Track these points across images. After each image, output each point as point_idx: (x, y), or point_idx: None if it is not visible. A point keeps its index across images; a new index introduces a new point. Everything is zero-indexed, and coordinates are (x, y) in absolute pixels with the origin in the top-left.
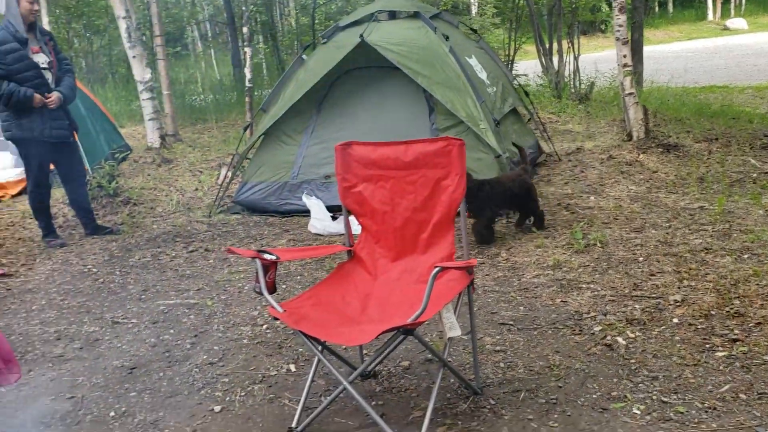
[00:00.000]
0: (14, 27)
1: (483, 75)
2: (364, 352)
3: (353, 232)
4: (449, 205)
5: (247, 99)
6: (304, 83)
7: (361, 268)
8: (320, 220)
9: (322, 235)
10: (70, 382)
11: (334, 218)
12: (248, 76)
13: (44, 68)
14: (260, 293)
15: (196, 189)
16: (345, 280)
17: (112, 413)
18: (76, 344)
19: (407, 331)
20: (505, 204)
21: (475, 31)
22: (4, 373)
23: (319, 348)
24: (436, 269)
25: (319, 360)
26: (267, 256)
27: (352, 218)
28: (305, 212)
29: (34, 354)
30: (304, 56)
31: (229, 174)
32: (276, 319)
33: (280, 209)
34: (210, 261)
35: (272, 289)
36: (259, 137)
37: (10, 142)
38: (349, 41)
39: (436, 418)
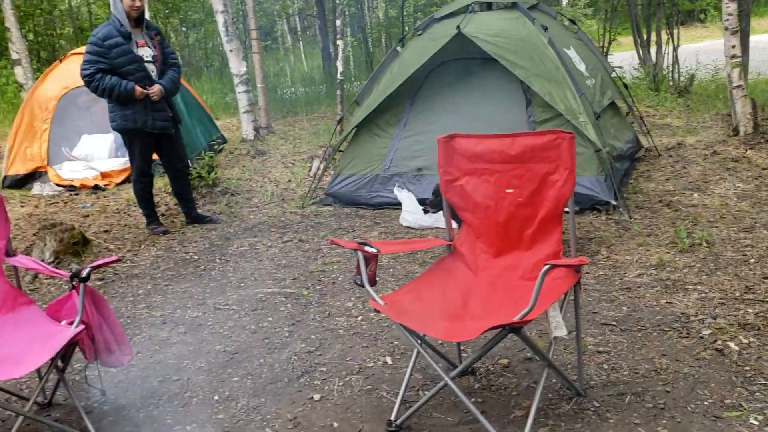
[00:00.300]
0: (119, 22)
1: (582, 67)
2: (461, 348)
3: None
4: (557, 200)
5: (338, 92)
6: (399, 75)
7: (461, 263)
8: (412, 213)
9: (413, 229)
10: (176, 365)
11: (425, 211)
12: (340, 68)
13: (148, 61)
14: (361, 285)
15: (289, 180)
16: (445, 274)
17: (216, 397)
18: (181, 329)
19: (514, 329)
20: None
21: (573, 21)
22: (117, 354)
23: (419, 342)
24: (547, 266)
25: (418, 354)
26: (368, 249)
27: (438, 213)
28: (396, 205)
29: (142, 337)
30: (398, 48)
31: (321, 166)
32: (377, 311)
33: (371, 202)
34: (304, 251)
35: (372, 282)
36: (351, 130)
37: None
38: (445, 33)
39: (539, 418)
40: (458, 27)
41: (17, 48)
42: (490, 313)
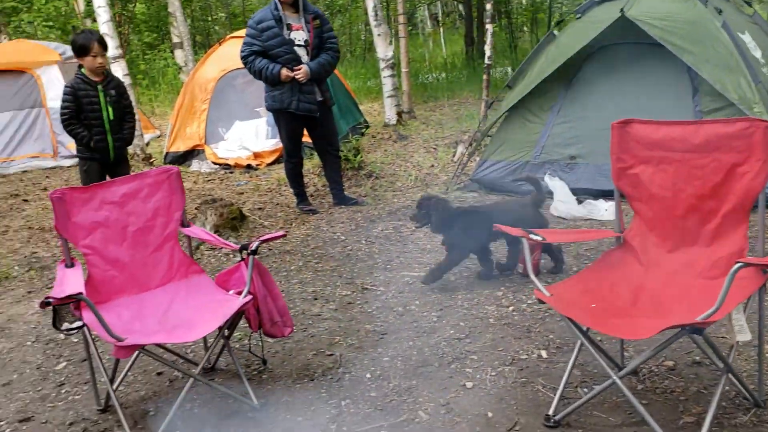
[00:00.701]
0: (275, 5)
1: (758, 53)
2: (623, 346)
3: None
4: (745, 194)
5: (485, 76)
6: (554, 60)
7: (631, 257)
8: (564, 203)
9: (564, 219)
10: (328, 340)
11: (579, 202)
12: (488, 53)
13: (299, 45)
14: (524, 274)
15: (432, 165)
16: (614, 268)
17: (368, 375)
18: (332, 305)
19: (696, 330)
20: (490, 240)
21: (748, 3)
22: (280, 326)
23: (582, 337)
24: (739, 264)
25: (580, 349)
26: (534, 237)
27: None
28: (546, 193)
29: (295, 311)
30: (555, 32)
31: (466, 151)
32: (541, 302)
33: (518, 189)
34: None
35: (536, 271)
36: (502, 114)
37: (267, 114)
38: (607, 16)
39: (712, 426)
40: (622, 10)
41: (179, 32)
42: (664, 311)
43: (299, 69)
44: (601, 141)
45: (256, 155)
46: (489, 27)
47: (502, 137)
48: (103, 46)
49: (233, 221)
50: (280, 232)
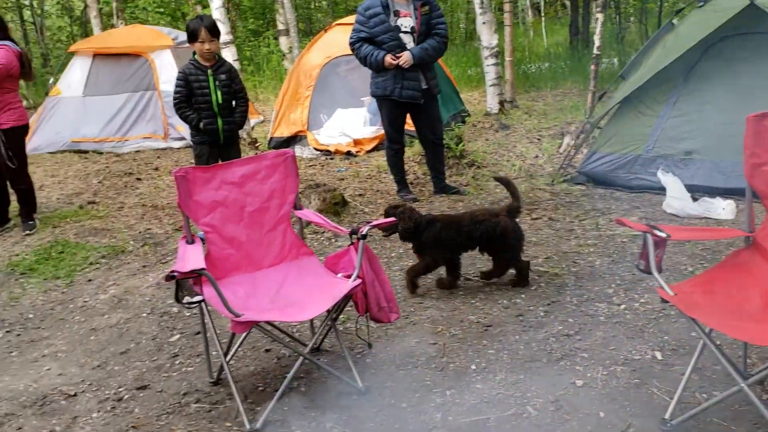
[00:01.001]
0: None
1: None
2: (747, 352)
3: None
4: None
5: (593, 67)
6: (672, 50)
7: (762, 259)
8: (678, 200)
9: (678, 216)
10: (431, 329)
11: (694, 199)
12: (597, 43)
13: (405, 32)
14: (645, 271)
15: (536, 156)
16: (741, 269)
17: (473, 366)
18: (433, 294)
19: None
20: (463, 248)
21: None
22: (386, 312)
23: (708, 340)
24: None
25: (701, 352)
26: (658, 233)
27: (711, 201)
28: (658, 189)
29: (396, 298)
30: (674, 21)
31: (572, 143)
32: (665, 301)
33: (628, 184)
34: (555, 230)
35: (659, 269)
36: (614, 105)
37: (370, 102)
38: (733, 5)
39: None
40: None
41: (285, 19)
42: None
43: (401, 55)
44: (720, 136)
45: (356, 142)
46: (599, 16)
47: (613, 129)
48: (211, 32)
49: (335, 206)
50: (391, 219)
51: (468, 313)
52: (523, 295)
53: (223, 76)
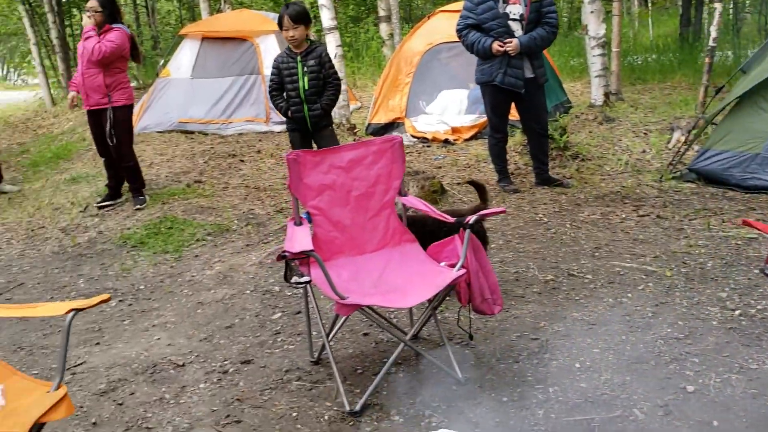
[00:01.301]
0: None
1: None
2: None
3: None
4: None
5: (707, 59)
6: None
7: None
8: None
9: None
10: (532, 324)
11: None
12: (713, 35)
13: (513, 19)
14: None
15: (644, 151)
16: None
17: (577, 365)
18: (535, 288)
19: None
20: (425, 248)
21: None
22: (490, 303)
23: None
24: None
25: None
26: None
27: None
28: None
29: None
30: None
31: (682, 138)
32: None
33: (743, 183)
34: (664, 229)
35: None
36: (732, 101)
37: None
38: None
39: None
40: None
41: (387, 5)
42: None
43: (510, 42)
44: None
45: (455, 130)
46: (718, 5)
47: (729, 126)
48: (294, 19)
49: (434, 194)
50: (501, 208)
51: (571, 310)
52: (629, 295)
53: (311, 62)
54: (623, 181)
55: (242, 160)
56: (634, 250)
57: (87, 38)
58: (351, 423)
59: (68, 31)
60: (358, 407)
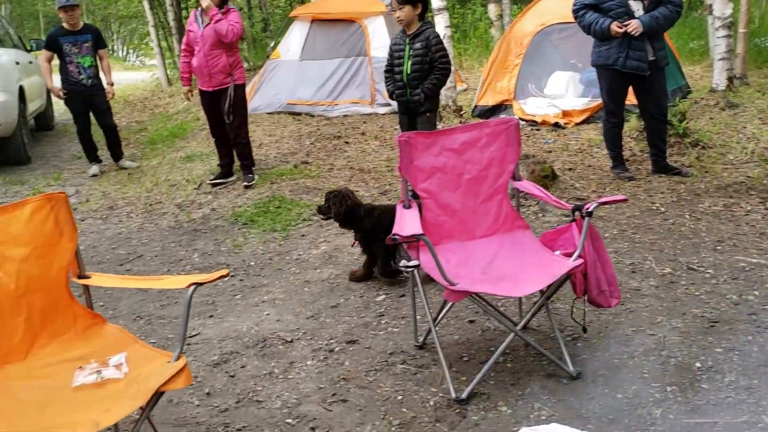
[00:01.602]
0: None
1: None
2: None
3: None
4: None
5: None
6: None
7: None
8: None
9: None
10: (649, 319)
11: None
12: None
13: None
14: None
15: None
16: None
17: (697, 364)
18: (651, 281)
19: None
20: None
21: None
22: (607, 296)
23: None
24: None
25: None
26: None
27: None
28: None
29: None
30: None
31: None
32: None
33: None
34: None
35: None
36: None
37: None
38: None
39: None
40: None
41: None
42: None
43: (629, 22)
44: None
45: (565, 113)
46: None
47: None
48: (401, 0)
49: (544, 179)
50: (621, 196)
51: (691, 306)
52: (756, 292)
53: (418, 45)
54: (749, 171)
55: (347, 142)
56: (761, 245)
57: (217, 21)
58: (457, 410)
59: (183, 14)
60: (464, 395)
